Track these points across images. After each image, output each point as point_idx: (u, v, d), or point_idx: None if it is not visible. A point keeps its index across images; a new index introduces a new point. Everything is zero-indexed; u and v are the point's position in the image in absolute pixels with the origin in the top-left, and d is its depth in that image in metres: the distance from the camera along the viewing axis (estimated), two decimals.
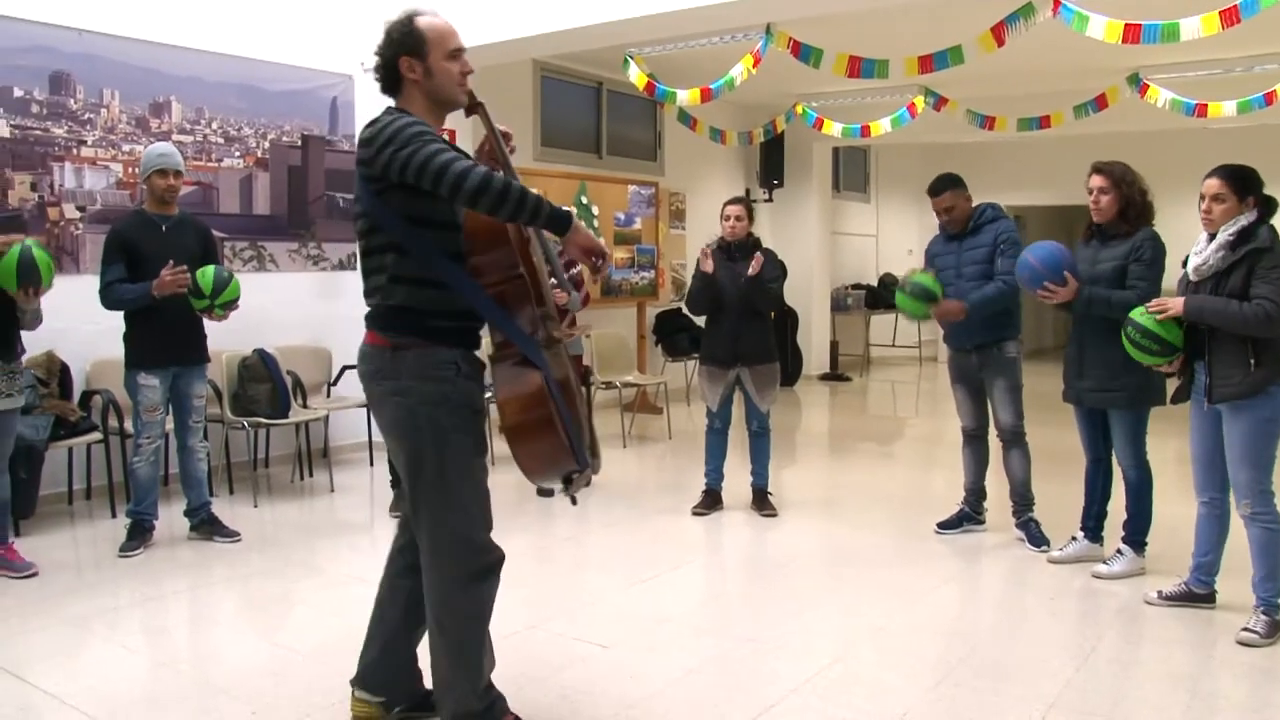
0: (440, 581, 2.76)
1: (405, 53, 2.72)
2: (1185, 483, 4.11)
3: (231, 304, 4.86)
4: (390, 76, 2.76)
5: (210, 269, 4.80)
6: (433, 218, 2.68)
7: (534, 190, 2.60)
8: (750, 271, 5.31)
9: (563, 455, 2.72)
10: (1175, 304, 3.76)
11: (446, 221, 2.71)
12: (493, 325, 2.75)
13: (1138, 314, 3.87)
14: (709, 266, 5.40)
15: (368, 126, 2.68)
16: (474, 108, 2.85)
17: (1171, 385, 4.10)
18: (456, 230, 2.73)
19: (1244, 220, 3.68)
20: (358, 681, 2.98)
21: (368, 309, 2.80)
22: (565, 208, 2.67)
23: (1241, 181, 3.70)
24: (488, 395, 2.96)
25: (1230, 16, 4.98)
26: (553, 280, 3.12)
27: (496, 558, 2.80)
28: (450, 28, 2.79)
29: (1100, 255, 4.35)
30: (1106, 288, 4.25)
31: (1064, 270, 4.23)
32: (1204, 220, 3.77)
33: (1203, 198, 3.76)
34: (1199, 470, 3.96)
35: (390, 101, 2.80)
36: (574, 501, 2.90)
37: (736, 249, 5.46)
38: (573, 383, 2.99)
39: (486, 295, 2.72)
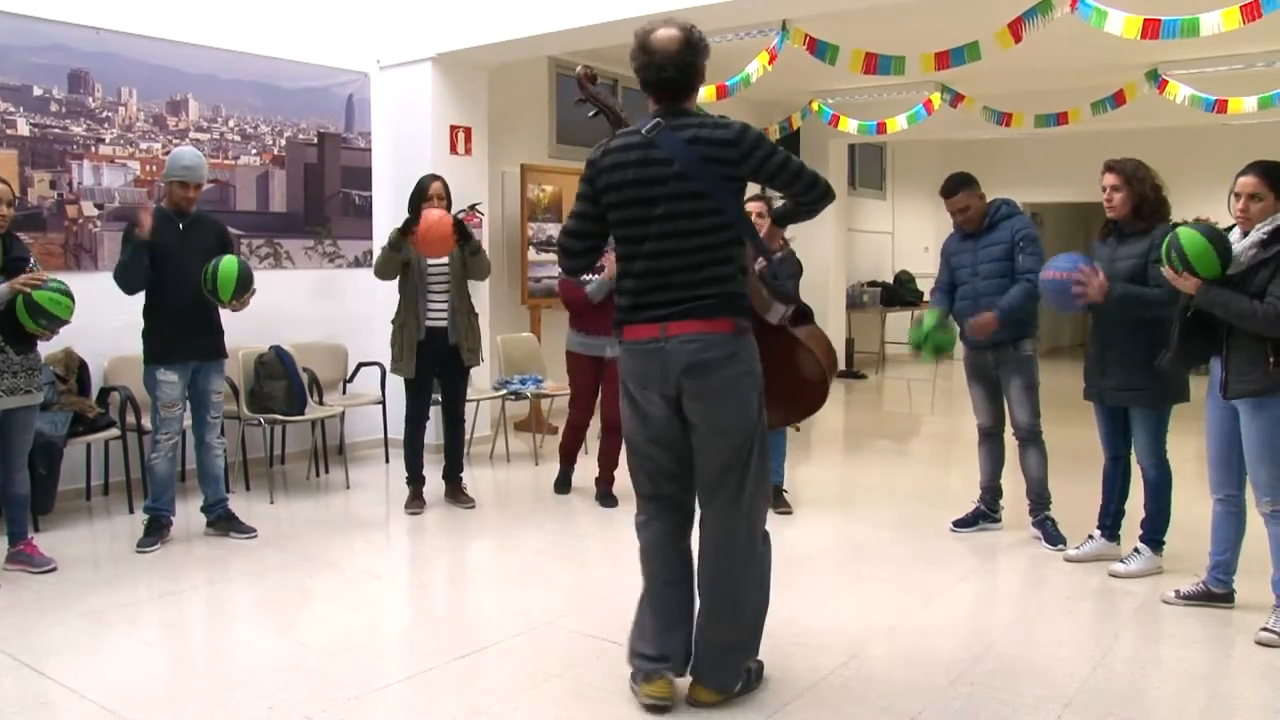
0: (752, 545, 3.05)
1: (703, 62, 2.99)
2: (1203, 481, 4.08)
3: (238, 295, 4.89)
4: (694, 78, 2.98)
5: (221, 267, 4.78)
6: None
7: None
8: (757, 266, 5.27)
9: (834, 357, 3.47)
10: (1188, 287, 3.70)
11: None
12: (786, 293, 3.35)
13: (1185, 235, 3.71)
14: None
15: (720, 127, 2.91)
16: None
17: (1197, 384, 4.06)
18: None
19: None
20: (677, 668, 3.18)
21: (699, 297, 2.94)
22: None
23: (1278, 179, 3.65)
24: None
25: (1251, 11, 4.94)
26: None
27: None
28: None
29: (1118, 253, 4.33)
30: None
31: (1090, 263, 4.20)
32: (1240, 218, 3.70)
33: (1238, 195, 3.69)
34: (1215, 468, 3.93)
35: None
36: (797, 429, 3.33)
37: None
38: None
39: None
